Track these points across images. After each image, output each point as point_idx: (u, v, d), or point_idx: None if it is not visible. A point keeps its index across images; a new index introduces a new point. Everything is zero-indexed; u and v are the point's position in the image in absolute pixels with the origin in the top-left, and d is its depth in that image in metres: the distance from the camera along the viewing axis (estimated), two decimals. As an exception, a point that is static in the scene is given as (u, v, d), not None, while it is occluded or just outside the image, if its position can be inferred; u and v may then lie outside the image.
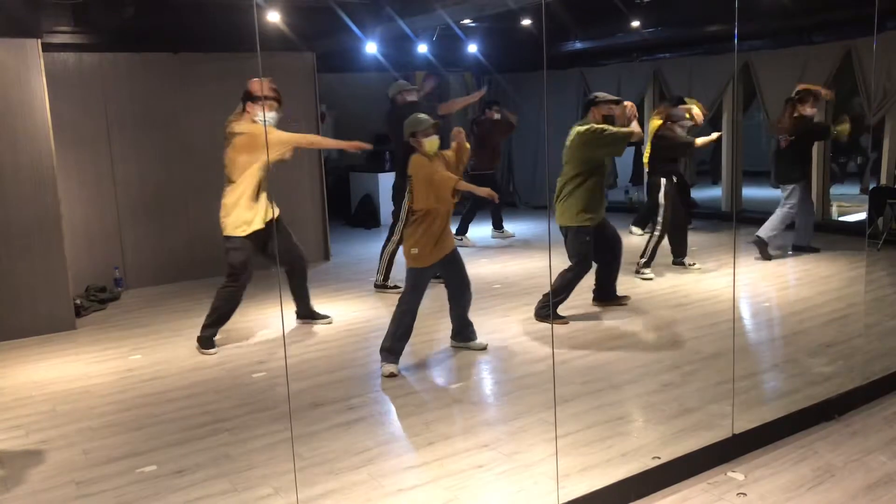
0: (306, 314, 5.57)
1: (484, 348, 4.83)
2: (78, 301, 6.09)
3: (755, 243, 7.03)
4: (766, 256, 6.98)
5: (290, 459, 3.33)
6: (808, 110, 6.88)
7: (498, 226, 8.93)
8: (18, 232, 5.46)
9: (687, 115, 6.86)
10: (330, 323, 5.57)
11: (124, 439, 3.73)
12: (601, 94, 5.52)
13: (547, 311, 5.31)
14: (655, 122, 7.56)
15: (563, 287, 5.31)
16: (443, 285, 4.84)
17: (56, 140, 5.66)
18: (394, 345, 4.49)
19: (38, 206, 5.52)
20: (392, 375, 4.40)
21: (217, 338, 5.11)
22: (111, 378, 4.63)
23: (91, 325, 5.87)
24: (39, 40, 5.48)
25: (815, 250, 7.23)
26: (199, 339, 5.04)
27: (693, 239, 6.93)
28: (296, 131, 7.59)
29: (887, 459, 3.24)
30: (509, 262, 7.59)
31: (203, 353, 4.98)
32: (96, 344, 5.36)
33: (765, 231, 7.02)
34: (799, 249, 7.26)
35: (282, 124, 7.47)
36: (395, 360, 4.50)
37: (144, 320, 5.91)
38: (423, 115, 4.53)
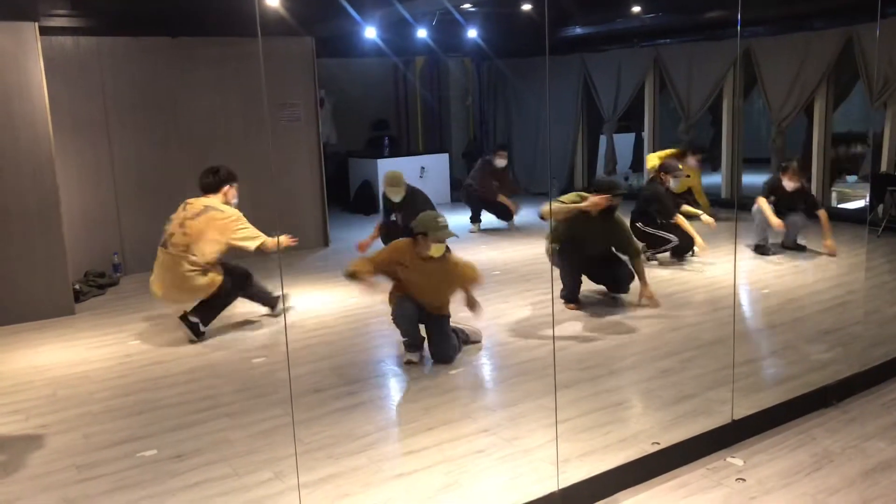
0: (268, 303, 5.45)
1: (477, 342, 4.76)
2: (77, 286, 6.08)
3: (756, 251, 6.96)
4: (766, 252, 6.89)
5: (291, 444, 3.34)
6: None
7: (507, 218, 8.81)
8: (17, 217, 5.45)
9: (680, 167, 6.92)
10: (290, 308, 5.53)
11: (124, 424, 3.73)
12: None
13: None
14: (653, 163, 7.65)
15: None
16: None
17: (54, 125, 5.63)
18: (410, 340, 4.45)
19: (37, 191, 5.50)
20: (410, 363, 4.37)
21: (216, 325, 5.12)
22: (110, 363, 4.63)
23: (90, 310, 5.86)
24: (36, 23, 5.43)
25: (800, 248, 7.00)
26: None
27: (694, 227, 6.91)
28: (293, 116, 7.66)
29: (885, 445, 3.25)
30: (508, 249, 7.59)
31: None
32: (95, 329, 5.36)
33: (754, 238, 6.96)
34: (785, 247, 7.05)
35: (277, 108, 7.52)
36: (417, 350, 4.44)
37: (143, 306, 5.90)
38: (442, 221, 4.29)
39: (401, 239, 4.52)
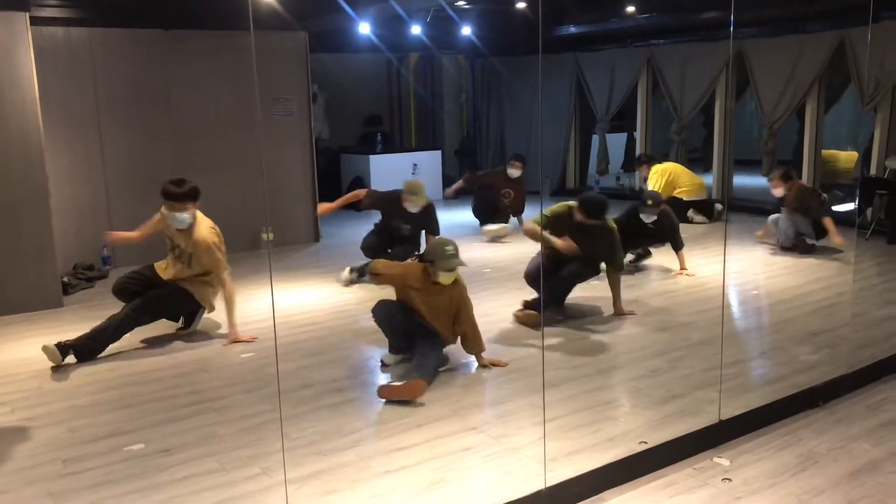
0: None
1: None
2: (65, 279, 6.05)
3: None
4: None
5: (278, 440, 3.33)
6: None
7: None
8: (5, 208, 5.41)
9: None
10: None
11: (111, 417, 3.72)
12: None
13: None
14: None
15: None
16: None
17: (44, 116, 5.59)
18: (390, 342, 4.39)
19: (26, 183, 5.46)
20: (382, 364, 4.36)
21: (206, 316, 5.10)
22: (98, 356, 4.60)
23: (78, 303, 5.83)
24: (27, 13, 5.39)
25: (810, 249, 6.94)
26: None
27: (683, 227, 6.92)
28: (286, 110, 7.64)
29: (870, 447, 3.28)
30: (500, 247, 7.59)
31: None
32: (83, 322, 5.30)
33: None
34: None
35: (270, 103, 7.49)
36: (398, 353, 4.36)
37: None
38: (451, 249, 4.15)
39: (416, 263, 4.39)
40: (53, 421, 3.69)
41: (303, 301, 5.79)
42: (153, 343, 4.82)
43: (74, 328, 5.15)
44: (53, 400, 3.95)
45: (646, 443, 3.26)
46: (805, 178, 8.64)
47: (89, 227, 6.73)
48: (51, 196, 5.65)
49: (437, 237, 4.43)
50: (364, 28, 8.04)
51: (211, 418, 3.68)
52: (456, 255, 4.17)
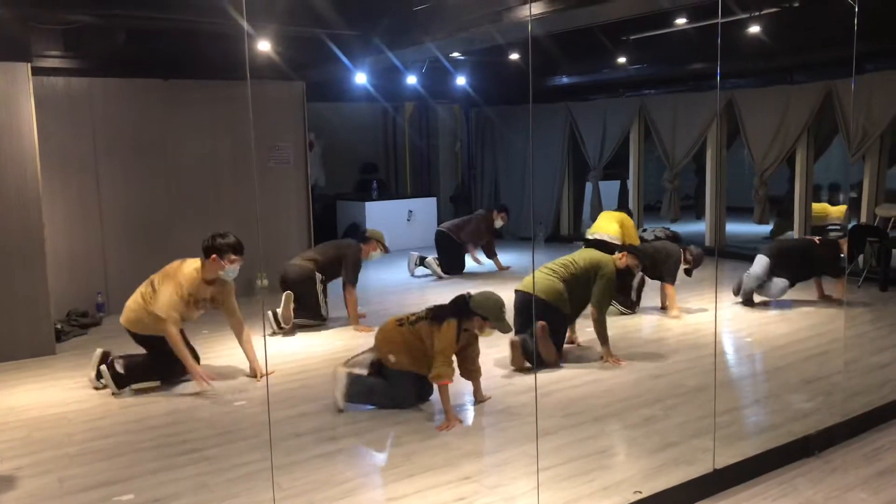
0: None
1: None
2: (59, 326, 6.03)
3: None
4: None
5: (270, 489, 3.30)
6: None
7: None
8: (0, 254, 5.42)
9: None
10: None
11: (101, 467, 3.67)
12: None
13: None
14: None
15: None
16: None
17: (43, 163, 5.65)
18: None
19: (22, 229, 5.49)
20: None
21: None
22: (90, 404, 4.57)
23: (71, 350, 5.80)
24: (29, 64, 5.50)
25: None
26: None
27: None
28: (283, 158, 7.72)
29: (867, 496, 3.25)
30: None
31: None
32: (76, 370, 5.29)
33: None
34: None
35: (267, 151, 7.58)
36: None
37: (125, 346, 5.82)
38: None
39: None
40: (42, 471, 3.65)
41: (295, 348, 5.77)
42: (144, 392, 4.78)
43: (67, 376, 5.14)
44: (42, 449, 3.91)
45: (640, 492, 3.23)
46: (797, 225, 8.73)
47: (85, 273, 6.75)
48: (47, 242, 5.66)
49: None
50: (360, 78, 8.18)
51: (202, 467, 3.64)
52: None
